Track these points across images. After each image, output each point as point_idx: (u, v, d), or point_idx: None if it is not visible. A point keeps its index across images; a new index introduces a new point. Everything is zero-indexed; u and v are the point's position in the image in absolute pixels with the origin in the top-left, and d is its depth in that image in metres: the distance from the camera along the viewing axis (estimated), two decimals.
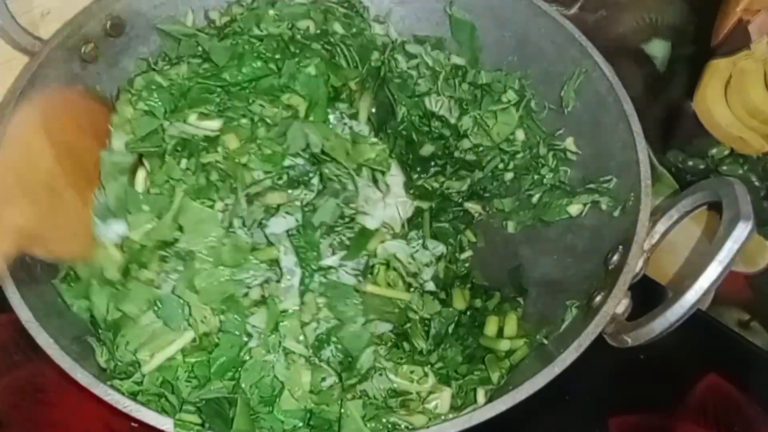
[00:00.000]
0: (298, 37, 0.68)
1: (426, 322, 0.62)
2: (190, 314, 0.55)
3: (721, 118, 0.69)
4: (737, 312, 0.79)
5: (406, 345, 0.60)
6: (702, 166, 0.74)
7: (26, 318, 0.50)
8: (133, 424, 0.49)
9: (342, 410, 0.54)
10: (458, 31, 0.76)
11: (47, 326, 0.50)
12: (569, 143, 0.70)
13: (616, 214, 0.63)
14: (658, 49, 0.74)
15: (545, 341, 0.59)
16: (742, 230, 0.51)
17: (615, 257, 0.58)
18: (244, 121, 0.63)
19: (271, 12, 0.70)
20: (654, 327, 0.53)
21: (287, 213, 0.60)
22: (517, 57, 0.74)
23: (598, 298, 0.56)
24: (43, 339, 0.50)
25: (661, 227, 0.60)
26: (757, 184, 0.71)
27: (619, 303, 0.53)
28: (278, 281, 0.58)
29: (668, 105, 0.75)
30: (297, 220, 0.60)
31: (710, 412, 0.71)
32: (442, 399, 0.56)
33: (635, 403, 0.72)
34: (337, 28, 0.72)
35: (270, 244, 0.59)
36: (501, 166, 0.74)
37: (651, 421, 0.71)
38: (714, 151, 0.75)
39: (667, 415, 0.72)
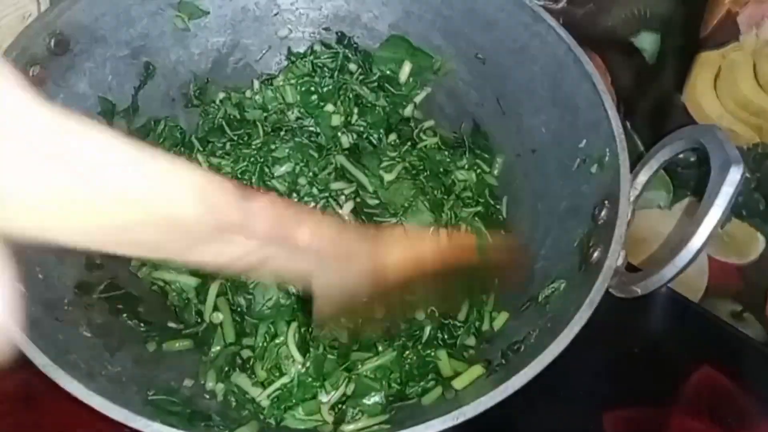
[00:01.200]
0: None
1: None
2: None
3: (711, 111, 0.69)
4: (730, 303, 0.79)
5: None
6: (692, 158, 0.74)
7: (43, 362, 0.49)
8: (125, 429, 0.49)
9: None
10: None
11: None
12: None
13: (593, 170, 0.63)
14: (647, 42, 0.73)
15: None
16: (735, 174, 0.51)
17: (603, 212, 0.59)
18: None
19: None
20: (664, 274, 0.54)
21: None
22: (469, 29, 0.76)
23: (596, 254, 0.57)
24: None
25: (642, 178, 0.62)
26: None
27: (618, 255, 0.54)
28: None
29: (658, 97, 0.75)
30: None
31: (704, 404, 0.72)
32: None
33: (629, 397, 0.72)
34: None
35: None
36: None
37: (645, 415, 0.72)
38: None
39: (661, 407, 0.72)
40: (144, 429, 0.47)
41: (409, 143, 0.78)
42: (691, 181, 0.76)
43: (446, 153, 0.78)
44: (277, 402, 0.60)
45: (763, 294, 0.75)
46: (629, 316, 0.78)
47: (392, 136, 0.79)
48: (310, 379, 0.61)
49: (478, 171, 0.78)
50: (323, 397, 0.60)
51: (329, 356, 0.62)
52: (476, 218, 0.74)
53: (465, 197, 0.75)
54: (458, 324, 0.67)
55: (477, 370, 0.57)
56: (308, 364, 0.61)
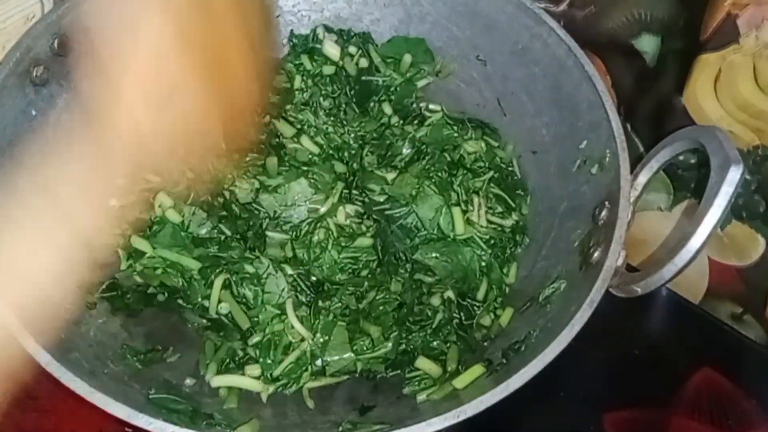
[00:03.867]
0: None
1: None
2: None
3: (711, 113, 0.69)
4: (730, 305, 0.79)
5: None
6: (693, 161, 0.74)
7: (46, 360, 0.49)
8: (127, 429, 0.49)
9: None
10: None
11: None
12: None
13: (594, 171, 0.64)
14: (647, 45, 0.74)
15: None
16: (735, 173, 0.52)
17: (603, 213, 0.60)
18: None
19: None
20: (663, 274, 0.54)
21: None
22: (470, 31, 0.77)
23: (596, 254, 0.57)
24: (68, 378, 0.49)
25: (642, 179, 0.62)
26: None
27: (618, 256, 0.55)
28: None
29: (658, 100, 0.75)
30: None
31: (704, 406, 0.72)
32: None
33: (630, 398, 0.73)
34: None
35: None
36: None
37: (646, 416, 0.72)
38: None
39: (662, 409, 0.72)
40: (146, 426, 0.47)
41: (416, 121, 0.79)
42: (691, 183, 0.76)
43: (453, 128, 0.78)
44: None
45: (764, 296, 0.75)
46: (630, 318, 0.78)
47: (394, 119, 0.79)
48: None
49: (487, 141, 0.78)
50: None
51: (339, 323, 0.63)
52: (492, 184, 0.74)
53: (476, 167, 0.75)
54: (477, 304, 0.67)
55: (478, 369, 0.57)
56: (318, 334, 0.62)
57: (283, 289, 0.65)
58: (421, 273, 0.69)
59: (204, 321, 0.66)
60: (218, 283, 0.65)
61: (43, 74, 0.64)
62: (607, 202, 0.60)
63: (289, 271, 0.67)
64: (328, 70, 0.81)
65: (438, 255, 0.70)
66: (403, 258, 0.70)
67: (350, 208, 0.71)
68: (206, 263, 0.67)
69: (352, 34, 0.82)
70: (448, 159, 0.74)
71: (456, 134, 0.77)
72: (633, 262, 0.79)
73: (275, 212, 0.71)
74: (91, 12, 0.67)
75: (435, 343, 0.64)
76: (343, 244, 0.69)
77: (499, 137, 0.78)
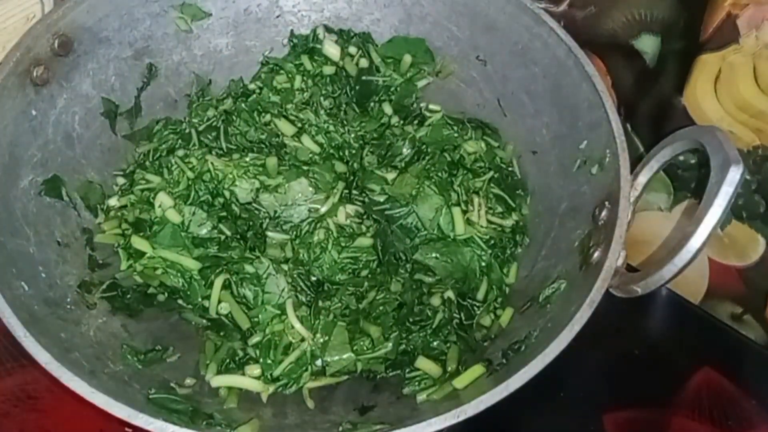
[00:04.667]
0: None
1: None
2: None
3: (711, 113, 0.69)
4: (730, 305, 0.79)
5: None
6: (693, 161, 0.74)
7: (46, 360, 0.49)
8: (127, 429, 0.49)
9: None
10: None
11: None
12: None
13: (594, 171, 0.64)
14: (647, 45, 0.74)
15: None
16: (735, 173, 0.52)
17: (603, 213, 0.60)
18: None
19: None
20: (663, 274, 0.54)
21: None
22: (470, 31, 0.77)
23: (596, 254, 0.57)
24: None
25: (642, 179, 0.62)
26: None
27: (618, 256, 0.55)
28: None
29: (658, 100, 0.75)
30: None
31: (704, 406, 0.72)
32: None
33: (630, 398, 0.73)
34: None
35: None
36: None
37: (646, 416, 0.72)
38: None
39: (662, 409, 0.72)
40: (146, 426, 0.47)
41: (416, 121, 0.79)
42: (691, 183, 0.76)
43: (453, 128, 0.78)
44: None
45: (764, 296, 0.75)
46: (630, 319, 0.78)
47: (395, 119, 0.80)
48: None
49: (487, 141, 0.78)
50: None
51: (339, 323, 0.63)
52: (492, 185, 0.74)
53: (476, 167, 0.75)
54: (477, 304, 0.67)
55: (478, 369, 0.57)
56: (318, 335, 0.62)
57: (283, 290, 0.65)
58: (421, 273, 0.69)
59: (204, 321, 0.66)
60: (218, 283, 0.66)
61: (44, 74, 0.64)
62: (607, 202, 0.60)
63: (289, 271, 0.67)
64: (329, 70, 0.81)
65: (438, 255, 0.70)
66: (403, 258, 0.70)
67: (350, 208, 0.71)
68: (206, 263, 0.67)
69: (352, 34, 0.82)
70: (448, 159, 0.74)
71: (456, 134, 0.77)
72: (633, 262, 0.79)
73: (275, 212, 0.71)
74: (91, 11, 0.68)
75: (435, 343, 0.64)
76: (343, 244, 0.69)
77: (499, 137, 0.78)
